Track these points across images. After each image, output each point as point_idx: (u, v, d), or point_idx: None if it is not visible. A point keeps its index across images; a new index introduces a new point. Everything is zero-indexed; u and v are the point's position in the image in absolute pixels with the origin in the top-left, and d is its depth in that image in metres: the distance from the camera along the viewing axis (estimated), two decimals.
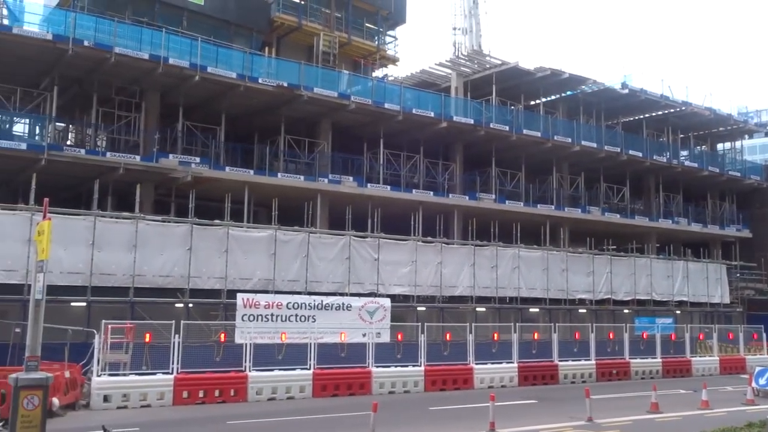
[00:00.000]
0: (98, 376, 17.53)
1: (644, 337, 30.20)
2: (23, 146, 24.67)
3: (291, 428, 15.57)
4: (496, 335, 25.90)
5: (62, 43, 24.53)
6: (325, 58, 33.99)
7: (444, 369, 22.94)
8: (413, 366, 22.39)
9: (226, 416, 16.34)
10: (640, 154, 40.79)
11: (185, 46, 27.54)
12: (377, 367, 21.58)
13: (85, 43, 24.97)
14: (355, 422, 14.78)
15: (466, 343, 23.74)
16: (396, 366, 22.41)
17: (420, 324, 24.09)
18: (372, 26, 38.03)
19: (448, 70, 39.40)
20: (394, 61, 39.72)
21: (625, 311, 35.78)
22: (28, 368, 7.58)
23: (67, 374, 16.39)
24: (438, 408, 18.44)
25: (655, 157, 41.94)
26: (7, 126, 27.86)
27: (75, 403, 16.86)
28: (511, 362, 24.43)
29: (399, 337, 24.48)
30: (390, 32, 39.86)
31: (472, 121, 34.64)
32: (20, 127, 29.21)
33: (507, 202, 35.90)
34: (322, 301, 24.67)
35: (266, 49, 32.91)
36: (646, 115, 43.72)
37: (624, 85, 39.95)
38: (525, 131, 36.13)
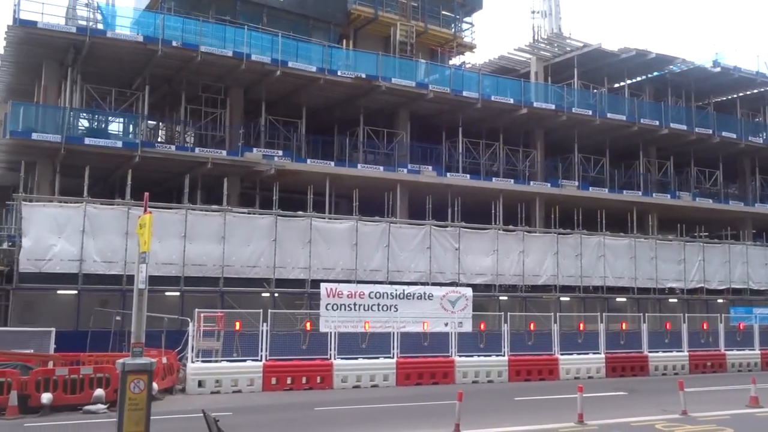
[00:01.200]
0: (192, 362, 18.31)
1: (741, 327, 28.73)
2: (119, 144, 26.00)
3: (377, 416, 15.79)
4: (581, 325, 25.28)
5: (152, 44, 25.63)
6: (402, 47, 34.01)
7: (528, 359, 22.65)
8: (496, 356, 22.20)
9: (313, 403, 16.74)
10: (734, 136, 38.71)
11: (266, 42, 28.22)
12: (460, 356, 21.55)
13: (173, 44, 26.00)
14: (440, 411, 14.83)
15: (551, 333, 23.32)
16: (479, 356, 22.29)
17: (502, 313, 23.85)
18: (448, 14, 37.71)
19: (527, 55, 38.58)
20: (471, 48, 39.26)
21: (720, 301, 34.15)
22: (134, 354, 8.02)
23: (164, 360, 17.20)
24: (523, 398, 18.24)
25: (750, 138, 39.71)
26: (104, 125, 29.40)
27: (172, 387, 17.70)
28: (598, 353, 23.81)
29: (481, 326, 24.29)
30: (466, 19, 39.41)
31: (553, 107, 33.85)
32: (115, 126, 30.75)
33: (591, 188, 34.92)
34: (403, 290, 24.81)
35: (344, 41, 33.26)
36: (740, 94, 41.44)
37: (716, 63, 37.95)
38: (609, 115, 35.00)
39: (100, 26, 26.65)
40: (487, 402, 17.39)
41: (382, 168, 30.42)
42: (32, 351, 18.06)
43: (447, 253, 27.66)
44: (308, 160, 29.06)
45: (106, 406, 14.70)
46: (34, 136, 24.26)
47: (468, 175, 32.20)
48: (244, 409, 15.54)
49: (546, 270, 29.78)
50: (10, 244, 23.52)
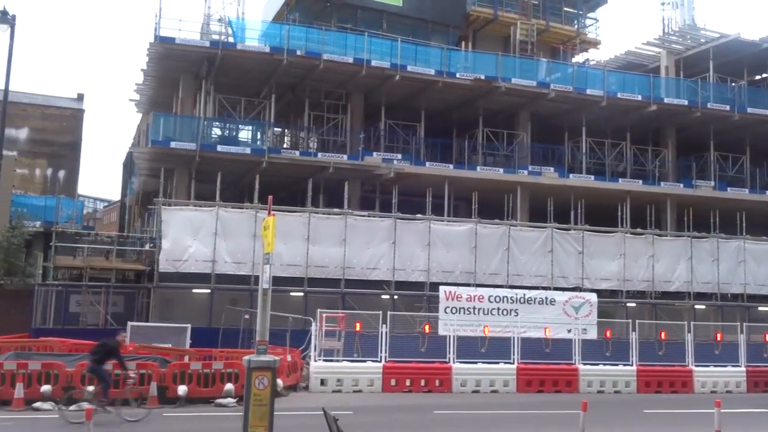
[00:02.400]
0: (315, 361, 18.86)
1: None
2: (248, 150, 27.34)
3: (496, 422, 15.51)
4: (719, 335, 23.55)
5: (278, 54, 26.74)
6: (523, 47, 33.34)
7: (659, 370, 21.38)
8: (624, 365, 21.15)
9: (432, 405, 16.72)
10: None
11: (386, 48, 28.64)
12: (584, 364, 20.73)
13: (298, 53, 27.00)
14: (563, 420, 14.34)
15: (684, 343, 21.91)
16: (604, 364, 21.32)
17: (630, 321, 22.69)
18: (571, 10, 36.57)
19: (657, 49, 36.55)
20: (595, 44, 37.82)
21: None
22: (259, 351, 8.36)
23: (288, 358, 17.84)
24: (653, 411, 17.25)
25: None
26: (234, 133, 31.06)
27: (296, 385, 18.32)
28: (738, 365, 22.08)
29: (607, 334, 23.24)
30: (590, 14, 38.04)
31: (685, 102, 31.85)
32: (244, 134, 32.40)
33: (729, 189, 32.53)
34: (524, 294, 24.25)
35: (462, 43, 33.07)
36: None
37: None
38: (749, 109, 32.44)
39: (230, 39, 28.15)
40: (614, 413, 16.59)
41: (501, 170, 29.95)
42: (170, 345, 19.36)
43: (570, 257, 26.74)
44: (427, 163, 29.15)
45: (235, 400, 15.44)
46: (173, 144, 26.02)
47: (592, 176, 30.97)
48: (364, 409, 15.79)
49: (678, 276, 28.03)
50: (151, 245, 25.34)
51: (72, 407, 13.91)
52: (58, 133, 44.82)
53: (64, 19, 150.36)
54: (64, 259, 24.67)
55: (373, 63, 27.84)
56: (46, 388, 14.50)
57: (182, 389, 15.33)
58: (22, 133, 42.97)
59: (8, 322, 22.78)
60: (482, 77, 29.18)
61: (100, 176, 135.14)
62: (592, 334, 23.65)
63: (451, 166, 29.37)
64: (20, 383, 14.33)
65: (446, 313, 22.97)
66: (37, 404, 14.23)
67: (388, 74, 28.25)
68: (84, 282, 23.99)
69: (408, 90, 29.70)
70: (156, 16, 25.77)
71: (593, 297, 24.99)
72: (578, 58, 37.53)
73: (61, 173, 43.80)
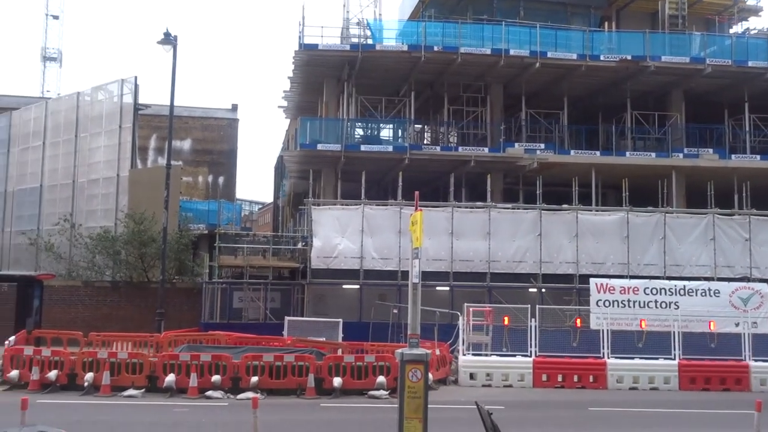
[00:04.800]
0: (464, 355, 18.89)
1: None
2: (390, 149, 27.93)
3: (657, 420, 14.71)
4: None
5: (416, 52, 27.04)
6: (673, 21, 31.21)
7: None
8: None
9: (586, 402, 16.18)
10: None
11: (524, 36, 28.03)
12: (756, 361, 19.07)
13: (435, 49, 27.14)
14: (732, 421, 13.36)
15: None
16: None
17: None
18: None
19: None
20: (756, 12, 34.71)
21: None
22: (411, 345, 8.52)
23: (437, 352, 18.01)
24: None
25: None
26: (376, 132, 31.84)
27: (445, 378, 18.46)
28: None
29: None
30: None
31: None
32: (385, 132, 33.10)
33: None
34: (684, 286, 22.70)
35: (605, 24, 31.57)
36: None
37: None
38: None
39: (369, 41, 28.85)
40: None
41: (653, 154, 28.31)
42: (324, 339, 20.24)
43: (735, 245, 24.73)
44: (572, 152, 28.21)
45: (387, 393, 15.86)
46: (319, 146, 27.17)
47: (758, 156, 28.41)
48: (515, 404, 15.61)
49: None
50: (303, 243, 26.62)
51: (240, 396, 15.00)
52: (216, 142, 48.38)
53: (217, 35, 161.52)
54: (227, 259, 26.58)
55: (512, 52, 27.35)
56: (216, 378, 15.72)
57: (337, 381, 15.98)
58: (186, 144, 46.81)
59: (181, 317, 25.03)
60: (629, 57, 27.71)
61: (255, 180, 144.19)
62: (764, 329, 21.66)
63: (598, 153, 28.19)
64: (194, 373, 15.65)
65: (598, 306, 22.04)
66: (209, 392, 15.48)
67: (527, 62, 27.63)
68: (245, 279, 25.71)
69: (549, 77, 28.88)
70: (299, 25, 27.05)
71: (764, 288, 22.87)
72: (737, 29, 34.52)
73: (221, 179, 47.20)
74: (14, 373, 16.17)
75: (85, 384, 15.60)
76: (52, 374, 15.84)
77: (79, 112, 32.09)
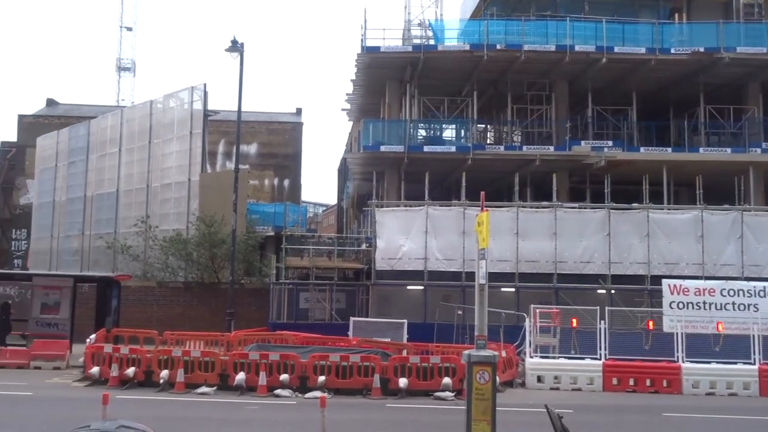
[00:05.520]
0: (531, 357, 18.60)
1: None
2: (452, 149, 27.82)
3: (736, 428, 14.15)
4: None
5: (478, 51, 26.85)
6: (748, 11, 29.99)
7: None
8: None
9: (660, 407, 15.67)
10: None
11: (589, 31, 27.44)
12: None
13: (497, 47, 26.87)
14: None
15: None
16: None
17: None
18: None
19: None
20: None
21: None
22: (478, 346, 8.47)
23: (503, 354, 17.79)
24: None
25: None
26: (438, 133, 31.76)
27: (512, 381, 18.22)
28: None
29: None
30: None
31: None
32: (448, 133, 32.97)
33: None
34: (764, 287, 21.64)
35: (675, 15, 30.55)
36: None
37: None
38: None
39: (431, 42, 28.81)
40: None
41: (729, 150, 27.22)
42: (389, 340, 20.31)
43: None
44: (641, 149, 27.39)
45: (453, 394, 15.78)
46: (382, 148, 27.30)
47: None
48: (585, 408, 15.26)
49: None
50: (367, 245, 26.81)
51: (308, 395, 15.24)
52: (281, 145, 49.22)
53: (281, 40, 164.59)
54: (293, 260, 27.04)
55: (577, 48, 26.82)
56: (284, 376, 16.02)
57: (403, 381, 16.02)
58: (252, 148, 47.86)
59: (249, 317, 25.62)
60: (701, 50, 26.73)
61: (318, 183, 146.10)
62: None
63: (669, 150, 27.30)
64: (263, 372, 16.00)
65: (672, 308, 21.26)
66: (278, 391, 15.79)
67: (593, 58, 27.01)
68: (311, 281, 26.09)
69: (616, 72, 28.14)
70: (362, 28, 27.25)
71: None
72: None
73: (286, 182, 48.07)
74: (95, 370, 16.93)
75: (161, 381, 16.17)
76: (130, 371, 16.49)
77: (152, 119, 33.25)
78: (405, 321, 21.45)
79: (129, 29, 65.94)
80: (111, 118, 36.25)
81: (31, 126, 46.20)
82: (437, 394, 15.94)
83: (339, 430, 11.63)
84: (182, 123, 31.93)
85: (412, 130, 29.13)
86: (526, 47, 26.74)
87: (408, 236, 24.15)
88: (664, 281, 21.95)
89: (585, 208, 25.05)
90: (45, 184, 39.56)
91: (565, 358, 18.90)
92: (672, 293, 21.50)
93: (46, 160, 39.82)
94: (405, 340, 20.52)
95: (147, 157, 33.00)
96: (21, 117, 48.31)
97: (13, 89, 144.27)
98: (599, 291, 23.40)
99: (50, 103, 51.78)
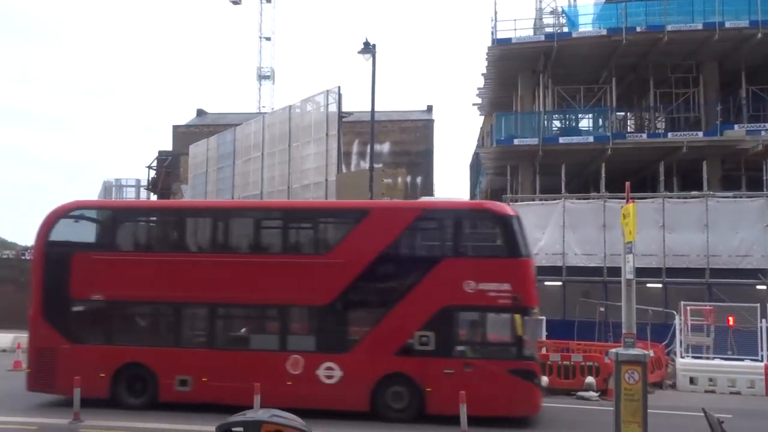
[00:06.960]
0: (682, 357, 17.53)
1: None
2: (590, 139, 26.76)
3: None
4: None
5: (615, 35, 25.63)
6: None
7: None
8: None
9: None
10: None
11: (741, 5, 25.34)
12: None
13: (637, 30, 25.54)
14: None
15: None
16: None
17: None
18: None
19: None
20: None
21: None
22: (626, 344, 8.11)
23: (651, 353, 16.85)
24: None
25: None
26: (574, 123, 30.65)
27: (661, 382, 17.26)
28: None
29: None
30: None
31: None
32: (584, 122, 31.72)
33: None
34: None
35: None
36: None
37: None
38: None
39: (564, 29, 27.85)
40: None
41: None
42: None
43: None
44: None
45: (597, 394, 15.21)
46: (515, 141, 26.79)
47: None
48: (745, 413, 14.13)
49: None
50: None
51: None
52: (413, 143, 49.69)
53: (409, 38, 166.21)
54: None
55: (727, 25, 24.87)
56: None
57: (544, 380, 15.63)
58: (385, 147, 48.68)
59: None
60: None
61: (451, 179, 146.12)
62: None
63: None
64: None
65: None
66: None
67: (746, 34, 24.92)
68: None
69: None
70: (492, 21, 26.90)
71: None
72: None
73: (419, 179, 48.40)
74: None
75: None
76: None
77: (291, 123, 34.73)
78: (543, 318, 20.87)
79: (268, 39, 69.31)
80: (254, 124, 38.28)
81: (184, 135, 49.85)
82: (580, 393, 15.44)
83: None
84: (319, 125, 33.05)
85: (546, 121, 28.33)
86: (669, 27, 25.14)
87: (544, 231, 23.50)
88: None
89: (741, 197, 23.18)
90: (197, 188, 42.53)
91: (721, 358, 17.63)
92: None
93: (198, 166, 42.81)
94: (544, 338, 20.02)
95: (287, 160, 34.50)
96: (175, 127, 52.29)
97: (167, 102, 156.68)
98: (758, 287, 21.52)
99: (200, 113, 55.62)
